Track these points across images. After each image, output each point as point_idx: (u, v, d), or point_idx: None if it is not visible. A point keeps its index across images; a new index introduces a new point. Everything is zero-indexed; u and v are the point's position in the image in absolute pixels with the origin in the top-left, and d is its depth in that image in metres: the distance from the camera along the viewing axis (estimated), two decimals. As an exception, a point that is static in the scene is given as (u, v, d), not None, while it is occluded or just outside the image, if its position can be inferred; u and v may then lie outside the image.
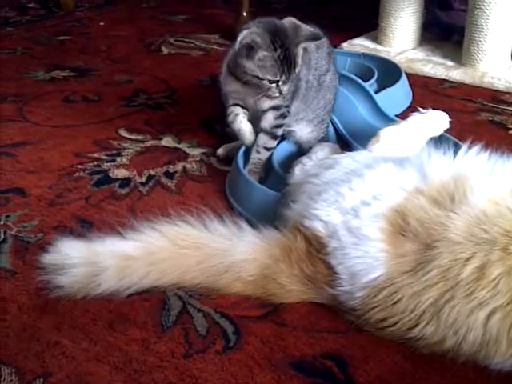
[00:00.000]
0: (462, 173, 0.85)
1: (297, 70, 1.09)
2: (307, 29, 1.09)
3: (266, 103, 1.15)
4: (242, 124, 1.16)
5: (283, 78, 1.07)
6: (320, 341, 0.83)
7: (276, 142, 1.20)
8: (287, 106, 1.17)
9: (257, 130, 1.19)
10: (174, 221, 0.93)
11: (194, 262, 0.88)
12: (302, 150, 1.26)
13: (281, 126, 1.18)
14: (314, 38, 1.09)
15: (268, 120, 1.16)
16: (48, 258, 0.89)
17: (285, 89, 1.09)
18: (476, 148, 0.90)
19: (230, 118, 1.16)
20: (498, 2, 1.65)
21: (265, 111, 1.16)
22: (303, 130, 1.25)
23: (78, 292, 0.87)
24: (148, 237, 0.91)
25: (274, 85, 1.09)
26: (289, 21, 1.10)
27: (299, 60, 1.08)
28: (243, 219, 0.96)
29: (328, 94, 1.25)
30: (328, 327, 0.85)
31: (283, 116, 1.17)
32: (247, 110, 1.17)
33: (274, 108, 1.15)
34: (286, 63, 1.06)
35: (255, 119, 1.18)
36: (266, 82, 1.08)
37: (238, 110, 1.16)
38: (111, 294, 0.88)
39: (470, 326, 0.75)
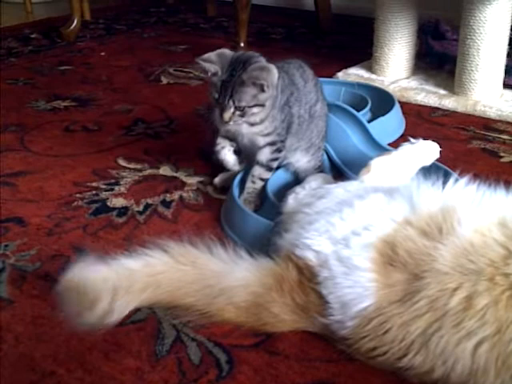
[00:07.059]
0: (451, 204, 0.86)
1: (241, 104, 1.10)
2: (256, 64, 1.10)
3: (262, 140, 1.18)
4: (227, 156, 1.21)
5: (221, 99, 1.10)
6: (312, 369, 0.84)
7: (271, 173, 1.23)
8: (282, 141, 1.20)
9: (249, 161, 1.23)
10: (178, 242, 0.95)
11: (191, 279, 0.90)
12: (296, 179, 1.28)
13: (277, 159, 1.21)
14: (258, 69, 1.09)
15: (265, 154, 1.20)
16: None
17: (225, 116, 1.11)
18: (465, 179, 0.92)
19: (217, 148, 1.21)
20: (488, 32, 1.69)
21: (261, 147, 1.19)
22: (300, 161, 1.27)
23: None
24: (150, 251, 0.93)
25: (218, 105, 1.12)
26: (248, 54, 1.14)
27: (242, 95, 1.10)
28: (238, 247, 0.97)
29: (320, 122, 1.28)
30: (320, 356, 0.86)
31: (279, 150, 1.20)
32: (236, 143, 1.20)
33: (270, 144, 1.19)
34: (228, 90, 1.09)
35: (251, 153, 1.22)
36: (213, 101, 1.12)
37: (225, 142, 1.20)
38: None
39: (459, 355, 0.75)
